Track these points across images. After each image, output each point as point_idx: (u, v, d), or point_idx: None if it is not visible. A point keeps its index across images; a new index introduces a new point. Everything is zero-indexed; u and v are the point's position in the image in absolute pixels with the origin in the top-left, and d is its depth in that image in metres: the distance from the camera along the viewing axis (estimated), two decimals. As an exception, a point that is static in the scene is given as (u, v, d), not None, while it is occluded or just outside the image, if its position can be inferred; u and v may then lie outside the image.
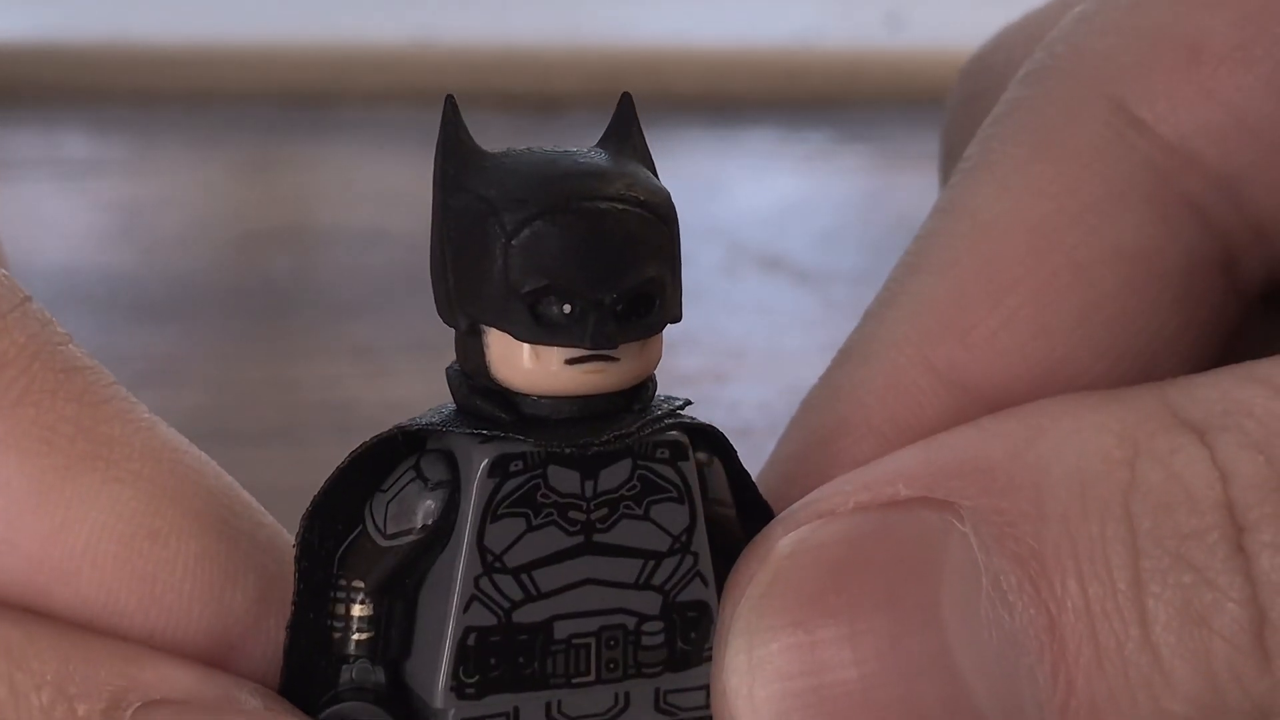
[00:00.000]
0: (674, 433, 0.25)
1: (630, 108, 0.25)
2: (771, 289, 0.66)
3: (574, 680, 0.25)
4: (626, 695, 0.25)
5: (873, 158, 0.79)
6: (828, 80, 0.83)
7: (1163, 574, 0.23)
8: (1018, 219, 0.27)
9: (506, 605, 0.24)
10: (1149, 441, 0.24)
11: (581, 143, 0.25)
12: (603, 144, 0.25)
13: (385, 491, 0.25)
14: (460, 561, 0.24)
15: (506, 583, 0.24)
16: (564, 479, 0.24)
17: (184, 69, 0.83)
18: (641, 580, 0.25)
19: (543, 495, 0.24)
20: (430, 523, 0.25)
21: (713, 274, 0.66)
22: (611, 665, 0.25)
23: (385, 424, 0.25)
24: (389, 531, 0.25)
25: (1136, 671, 0.23)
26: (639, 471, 0.25)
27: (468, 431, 0.24)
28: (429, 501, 0.25)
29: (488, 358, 0.24)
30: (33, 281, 0.27)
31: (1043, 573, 0.23)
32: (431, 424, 0.25)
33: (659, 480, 0.25)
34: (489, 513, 0.24)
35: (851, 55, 0.85)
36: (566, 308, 0.24)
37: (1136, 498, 0.23)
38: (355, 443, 0.25)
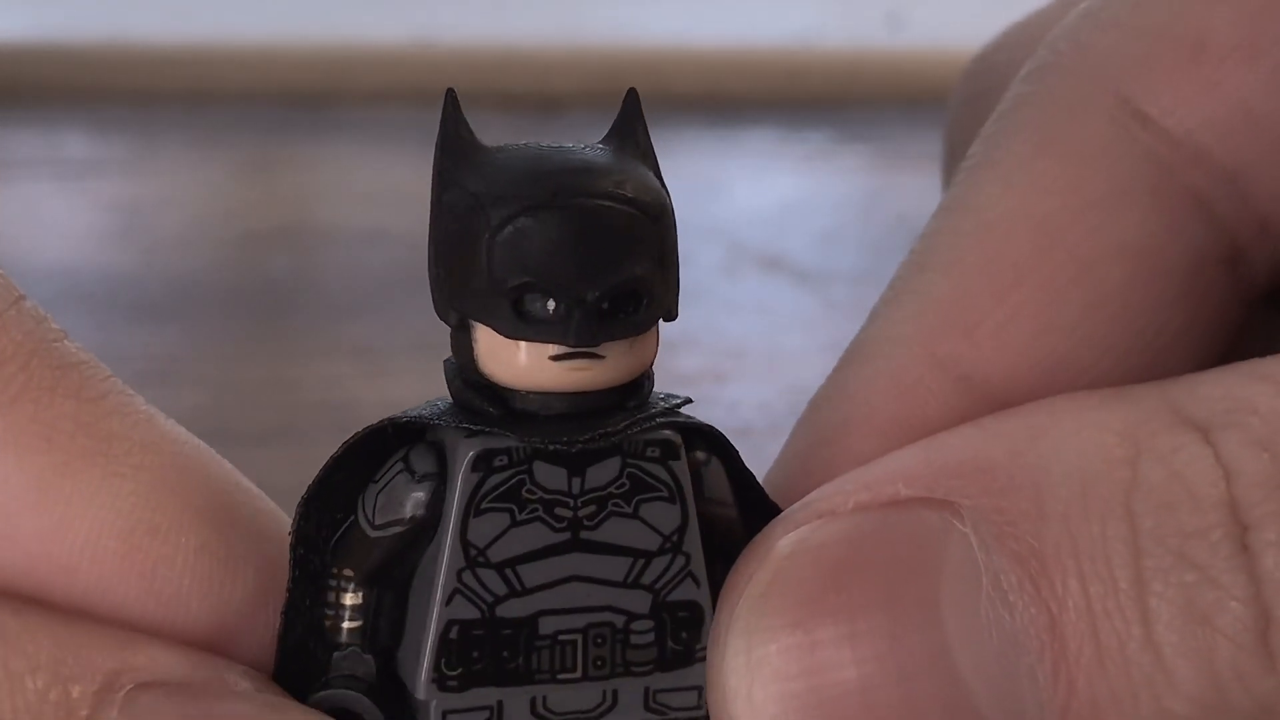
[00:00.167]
0: (667, 432, 0.25)
1: (635, 104, 0.25)
2: (771, 289, 0.66)
3: (560, 676, 0.25)
4: (614, 693, 0.25)
5: (873, 158, 0.79)
6: (828, 80, 0.84)
7: (1165, 573, 0.23)
8: (1022, 215, 0.26)
9: (490, 599, 0.24)
10: (1151, 440, 0.24)
11: (582, 142, 0.25)
12: (607, 140, 0.25)
13: (376, 482, 0.25)
14: (443, 554, 0.24)
15: (490, 577, 0.24)
16: (550, 475, 0.24)
17: (184, 69, 0.83)
18: (630, 579, 0.25)
19: (528, 491, 0.24)
20: (417, 515, 0.25)
21: (713, 274, 0.66)
22: (599, 663, 0.25)
23: (384, 423, 0.25)
24: (377, 522, 0.25)
25: (1138, 671, 0.23)
26: (628, 469, 0.25)
27: (455, 425, 0.24)
28: (416, 493, 0.25)
29: (476, 352, 0.24)
30: (33, 281, 0.27)
31: (1043, 572, 0.23)
32: (421, 416, 0.25)
33: (649, 479, 0.25)
34: (472, 507, 0.24)
35: (851, 55, 0.85)
36: (550, 304, 0.24)
37: (1138, 496, 0.23)
38: (354, 443, 0.25)
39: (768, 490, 0.26)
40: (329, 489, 0.25)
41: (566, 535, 0.25)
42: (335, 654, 0.25)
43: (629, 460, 0.25)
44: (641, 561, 0.25)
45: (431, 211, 0.24)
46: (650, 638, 0.25)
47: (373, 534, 0.25)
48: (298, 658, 0.25)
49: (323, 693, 0.25)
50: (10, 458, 0.24)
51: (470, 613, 0.24)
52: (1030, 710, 0.23)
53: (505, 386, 0.24)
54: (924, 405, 0.26)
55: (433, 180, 0.25)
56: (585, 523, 0.24)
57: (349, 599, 0.25)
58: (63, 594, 0.25)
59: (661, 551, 0.25)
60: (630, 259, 0.24)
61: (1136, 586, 0.23)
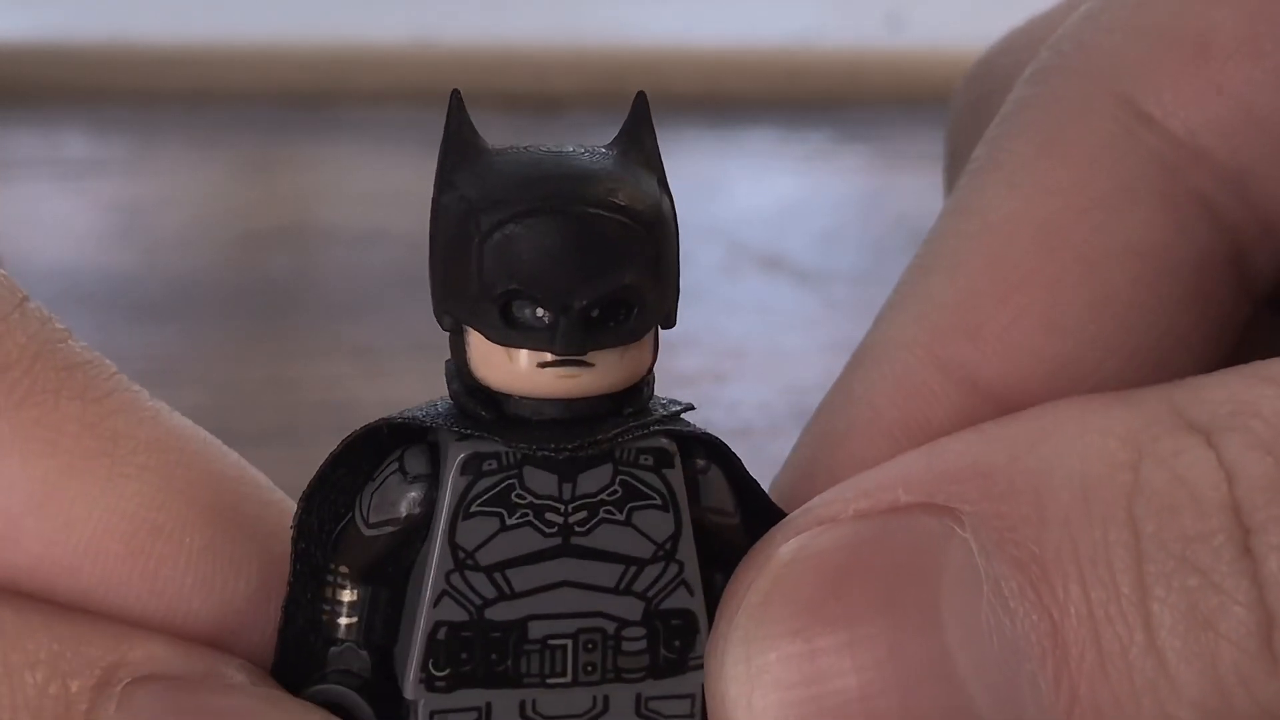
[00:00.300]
0: (662, 440, 0.25)
1: (644, 108, 0.25)
2: (771, 289, 0.66)
3: (549, 680, 0.25)
4: (605, 699, 0.25)
5: (873, 158, 0.79)
6: (828, 80, 0.83)
7: (1167, 577, 0.23)
8: (1027, 217, 0.26)
9: (479, 602, 0.25)
10: (1153, 444, 0.23)
11: (584, 146, 0.25)
12: (613, 144, 0.25)
13: (373, 481, 0.25)
14: (432, 556, 0.24)
15: (479, 580, 0.25)
16: (540, 480, 0.24)
17: (184, 69, 0.83)
18: (622, 586, 0.25)
19: (517, 495, 0.24)
20: (410, 515, 0.25)
21: (713, 274, 0.66)
22: (589, 668, 0.25)
23: (384, 423, 0.25)
24: (371, 521, 0.25)
25: (1141, 677, 0.23)
26: (620, 477, 0.25)
27: (449, 427, 0.25)
28: (409, 494, 0.25)
29: (469, 356, 0.24)
30: (33, 282, 0.27)
31: (1044, 577, 0.23)
32: (416, 418, 0.25)
33: (641, 487, 0.25)
34: (461, 510, 0.24)
35: (851, 55, 0.85)
36: (539, 311, 0.24)
37: (1140, 501, 0.23)
38: (354, 443, 0.25)
39: (774, 495, 0.26)
40: (330, 484, 0.25)
41: (557, 540, 0.25)
42: (332, 649, 0.25)
43: (621, 467, 0.25)
44: (634, 569, 0.25)
45: (430, 213, 0.25)
46: (642, 645, 0.25)
47: (367, 532, 0.25)
48: (297, 652, 0.25)
49: (316, 687, 0.25)
50: (15, 461, 0.24)
51: (458, 615, 0.25)
52: (1032, 717, 0.23)
53: (498, 391, 0.24)
54: (929, 409, 0.26)
55: (434, 181, 0.25)
56: (576, 528, 0.25)
57: (346, 595, 0.25)
58: (66, 594, 0.25)
59: (654, 559, 0.25)
60: (620, 267, 0.24)
61: (1139, 591, 0.23)
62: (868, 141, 0.80)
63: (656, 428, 0.25)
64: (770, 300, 0.65)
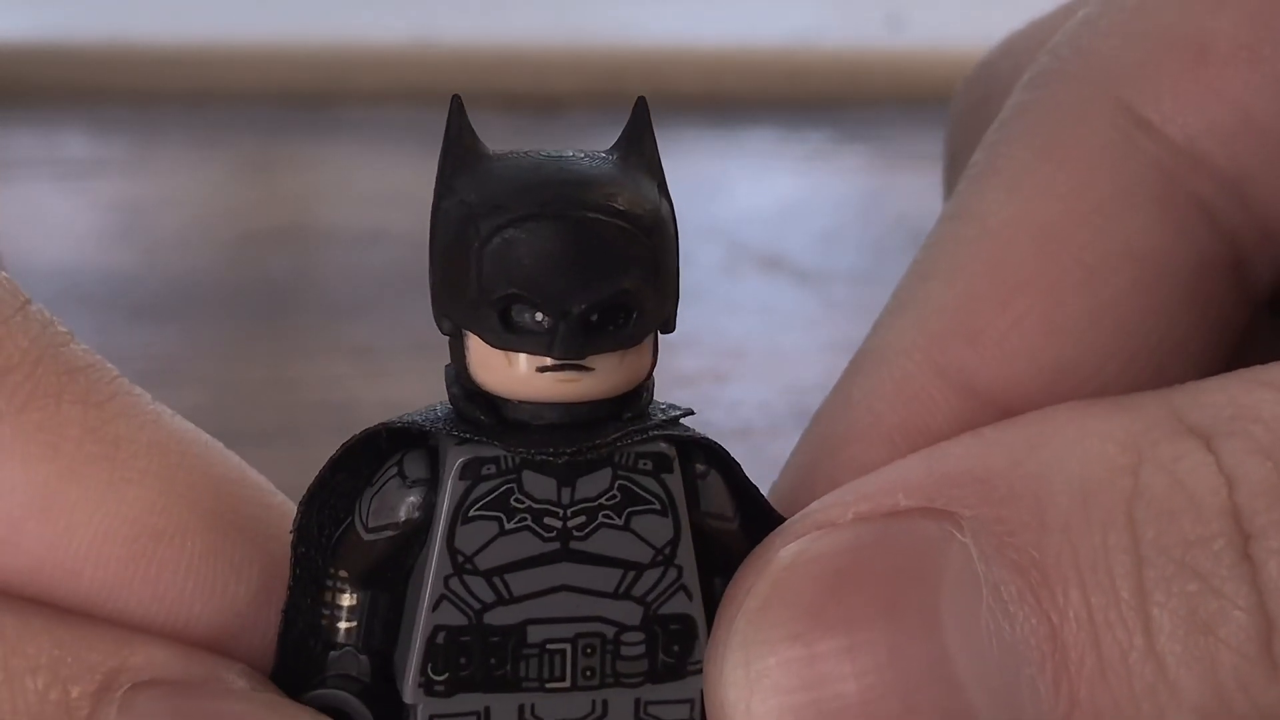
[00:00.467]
0: (661, 444, 0.25)
1: (644, 113, 0.25)
2: (771, 289, 0.66)
3: (548, 685, 0.25)
4: (604, 703, 0.25)
5: (873, 158, 0.79)
6: (828, 80, 0.83)
7: (1167, 582, 0.23)
8: (1026, 222, 0.26)
9: (477, 606, 0.25)
10: (1153, 448, 0.24)
11: (582, 143, 0.25)
12: (613, 149, 0.25)
13: (373, 485, 0.25)
14: (431, 560, 0.25)
15: (478, 584, 0.25)
16: (539, 485, 0.25)
17: (184, 69, 0.83)
18: (621, 590, 0.25)
19: (516, 500, 0.24)
20: (408, 519, 0.25)
21: (713, 274, 0.66)
22: (588, 672, 0.25)
23: (384, 424, 0.25)
24: (370, 525, 0.25)
25: (1141, 681, 0.23)
26: (619, 481, 0.25)
27: (448, 432, 0.25)
28: (408, 498, 0.25)
29: (468, 361, 0.25)
30: (33, 282, 0.27)
31: (1044, 582, 0.23)
32: (415, 422, 0.25)
33: (640, 491, 0.25)
34: (460, 514, 0.24)
35: (851, 55, 0.85)
36: (538, 316, 0.24)
37: (1140, 505, 0.23)
38: (355, 443, 0.25)
39: (773, 500, 0.26)
40: (330, 489, 0.25)
41: (556, 545, 0.25)
42: (331, 654, 0.25)
43: (620, 472, 0.25)
44: (632, 573, 0.25)
45: (430, 218, 0.25)
46: (641, 649, 0.25)
47: (367, 537, 0.25)
48: (297, 656, 0.26)
49: (315, 691, 0.25)
50: (17, 466, 0.24)
51: (457, 619, 0.25)
52: (1032, 721, 0.23)
53: (497, 395, 0.24)
54: (928, 414, 0.26)
55: (434, 186, 0.25)
56: (575, 533, 0.25)
57: (345, 600, 0.25)
58: (66, 598, 0.25)
59: (653, 564, 0.25)
60: (619, 272, 0.24)
61: (1138, 596, 0.23)
62: (868, 141, 0.80)
63: (656, 433, 0.25)
64: (770, 300, 0.65)
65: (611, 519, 0.25)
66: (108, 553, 0.25)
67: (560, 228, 0.24)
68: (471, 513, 0.24)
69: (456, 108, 0.25)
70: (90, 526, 0.25)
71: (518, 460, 0.24)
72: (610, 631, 0.25)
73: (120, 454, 0.25)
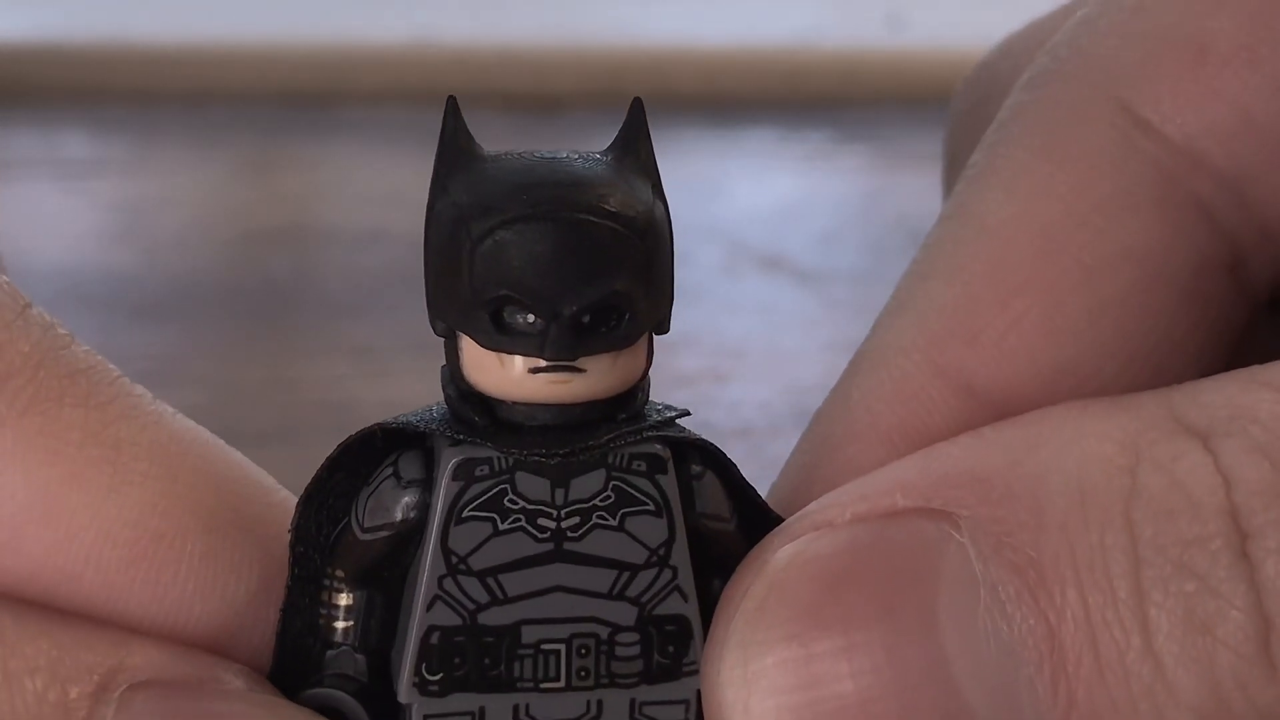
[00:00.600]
0: (656, 445, 0.25)
1: (640, 114, 0.25)
2: (771, 289, 0.66)
3: (543, 685, 0.25)
4: (599, 703, 0.25)
5: (873, 158, 0.79)
6: (828, 80, 0.83)
7: (1165, 582, 0.23)
8: (1025, 222, 0.26)
9: (471, 607, 0.25)
10: (1151, 448, 0.24)
11: (582, 143, 0.25)
12: (609, 150, 0.25)
13: (368, 485, 0.25)
14: (425, 561, 0.25)
15: (471, 585, 0.25)
16: (533, 486, 0.25)
17: (184, 69, 0.83)
18: (615, 591, 0.25)
19: (510, 501, 0.25)
20: (403, 519, 0.25)
21: (713, 274, 0.66)
22: (583, 673, 0.25)
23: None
24: (366, 525, 0.25)
25: (1139, 682, 0.23)
26: (613, 482, 0.25)
27: (442, 433, 0.25)
28: (403, 498, 0.25)
29: (462, 362, 0.25)
30: (33, 282, 0.27)
31: (1041, 582, 0.23)
32: (410, 423, 0.25)
33: (634, 492, 0.25)
34: (453, 515, 0.25)
35: (851, 55, 0.85)
36: (530, 317, 0.24)
37: (1138, 505, 0.23)
38: (355, 443, 0.25)
39: (772, 501, 0.26)
40: (328, 489, 0.25)
41: (549, 546, 0.25)
42: (329, 653, 0.26)
43: (614, 473, 0.25)
44: (627, 574, 0.25)
45: (425, 219, 0.25)
46: (636, 650, 0.25)
47: (363, 537, 0.25)
48: (295, 655, 0.26)
49: (312, 690, 0.25)
50: (18, 471, 0.25)
51: (451, 619, 0.25)
52: (1029, 721, 0.23)
53: (491, 396, 0.24)
54: (927, 414, 0.26)
55: (429, 188, 0.25)
56: (569, 534, 0.25)
57: (342, 599, 0.26)
58: (67, 600, 0.25)
59: (648, 565, 0.25)
60: (610, 273, 0.24)
61: (1136, 596, 0.23)
62: (868, 141, 0.80)
63: (650, 434, 0.25)
64: (770, 300, 0.65)
65: (605, 520, 0.25)
66: (108, 555, 0.25)
67: (552, 229, 0.24)
68: (465, 513, 0.24)
69: (451, 109, 0.25)
70: (91, 530, 0.25)
71: (511, 461, 0.24)
72: (605, 632, 0.25)
73: (121, 457, 0.25)
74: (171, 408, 0.26)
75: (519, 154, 0.25)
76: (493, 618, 0.25)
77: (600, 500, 0.25)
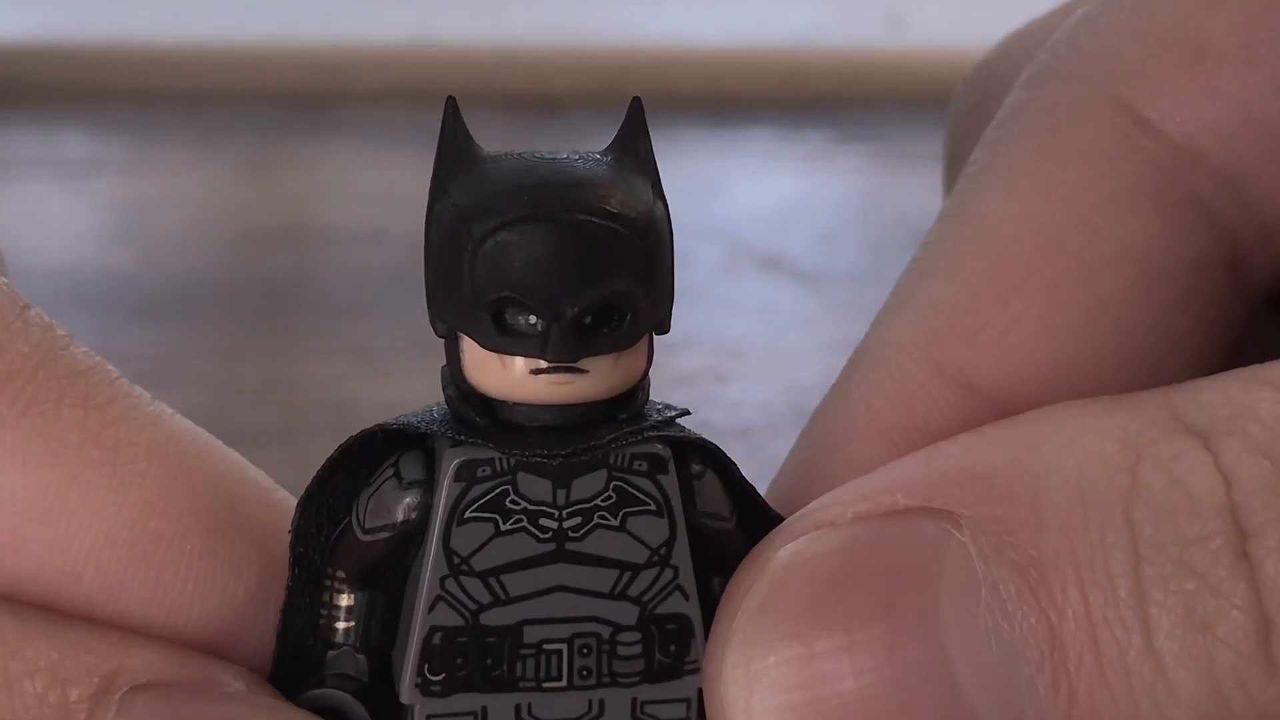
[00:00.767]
0: (657, 445, 0.25)
1: (639, 114, 0.25)
2: (771, 289, 0.66)
3: (545, 685, 0.25)
4: (601, 703, 0.25)
5: (873, 158, 0.79)
6: (828, 80, 0.83)
7: (1165, 581, 0.23)
8: (1024, 221, 0.26)
9: (474, 607, 0.25)
10: (1151, 447, 0.24)
11: (582, 143, 0.25)
12: (608, 150, 0.25)
13: (369, 486, 0.25)
14: (427, 561, 0.25)
15: (474, 585, 0.25)
16: (534, 486, 0.25)
17: (184, 69, 0.83)
18: (617, 591, 0.25)
19: (511, 501, 0.25)
20: (404, 520, 0.25)
21: (713, 274, 0.66)
22: (585, 672, 0.25)
23: (384, 424, 0.25)
24: (367, 526, 0.25)
25: (1139, 680, 0.23)
26: (614, 483, 0.25)
27: (443, 433, 0.25)
28: (405, 499, 0.25)
29: (463, 363, 0.25)
30: (33, 282, 0.27)
31: (1042, 581, 0.23)
32: (411, 424, 0.25)
33: (635, 492, 0.25)
34: (455, 516, 0.25)
35: (851, 55, 0.85)
36: (531, 318, 0.24)
37: (1138, 504, 0.23)
38: (355, 443, 0.25)
39: (772, 499, 0.26)
40: (328, 489, 0.25)
41: (551, 546, 0.25)
42: (330, 653, 0.26)
43: (615, 473, 0.25)
44: (628, 574, 0.25)
45: (425, 220, 0.25)
46: (637, 649, 0.25)
47: (363, 537, 0.25)
48: (295, 656, 0.26)
49: (313, 691, 0.25)
50: (18, 471, 0.25)
51: (454, 620, 0.25)
52: (1030, 720, 0.23)
53: (492, 397, 0.25)
54: (927, 412, 0.26)
55: (429, 189, 0.25)
56: (570, 534, 0.25)
57: (343, 600, 0.26)
58: (67, 601, 0.25)
59: (649, 564, 0.25)
60: (611, 274, 0.24)
61: (1136, 595, 0.23)
62: (868, 141, 0.80)
63: (651, 434, 0.25)
64: (770, 300, 0.65)
65: (607, 520, 0.25)
66: (108, 556, 0.25)
67: (553, 230, 0.24)
68: (467, 514, 0.24)
69: (451, 110, 0.25)
70: (91, 531, 0.25)
71: (513, 462, 0.24)
72: (606, 631, 0.25)
73: (120, 457, 0.25)
74: (170, 408, 0.26)
75: (519, 155, 0.25)
76: (495, 618, 0.25)
77: (602, 500, 0.25)
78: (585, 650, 0.25)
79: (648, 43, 0.85)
